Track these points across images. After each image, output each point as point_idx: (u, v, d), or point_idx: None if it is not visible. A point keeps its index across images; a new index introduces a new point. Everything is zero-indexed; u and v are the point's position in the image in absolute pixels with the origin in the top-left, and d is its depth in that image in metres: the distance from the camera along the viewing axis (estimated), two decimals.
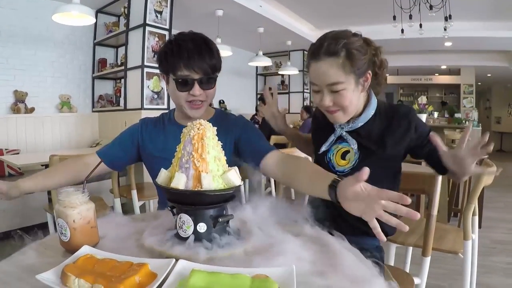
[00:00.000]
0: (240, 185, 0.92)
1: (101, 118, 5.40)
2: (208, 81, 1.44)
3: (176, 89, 1.45)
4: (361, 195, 0.89)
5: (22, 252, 0.95)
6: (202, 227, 0.88)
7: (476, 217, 2.26)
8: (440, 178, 1.59)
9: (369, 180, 1.34)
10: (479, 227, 4.01)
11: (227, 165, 0.97)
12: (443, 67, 11.71)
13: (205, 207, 0.88)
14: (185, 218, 0.89)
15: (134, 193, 3.23)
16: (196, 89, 1.42)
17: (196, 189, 0.86)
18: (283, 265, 0.77)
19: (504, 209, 5.04)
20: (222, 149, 0.96)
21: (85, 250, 0.88)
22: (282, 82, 9.31)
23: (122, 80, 4.91)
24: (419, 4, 5.25)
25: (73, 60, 5.20)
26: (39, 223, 3.78)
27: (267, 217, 1.02)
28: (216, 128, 0.97)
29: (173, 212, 0.94)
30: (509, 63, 9.88)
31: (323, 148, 1.47)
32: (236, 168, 0.95)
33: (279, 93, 9.07)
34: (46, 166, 2.85)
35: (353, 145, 1.39)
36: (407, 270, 2.21)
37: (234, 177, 0.90)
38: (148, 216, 1.17)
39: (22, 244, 1.01)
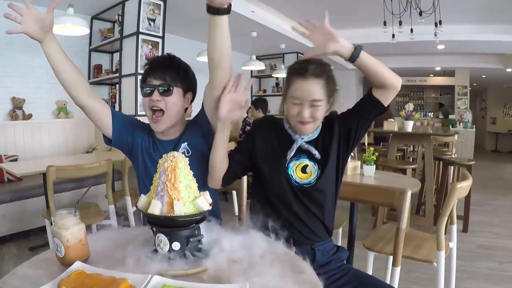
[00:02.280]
0: (208, 210, 1.04)
1: None
2: (167, 89, 1.61)
3: (142, 95, 1.67)
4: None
5: (24, 266, 1.08)
6: (176, 246, 1.01)
7: (454, 226, 2.32)
8: (409, 193, 1.69)
9: (327, 190, 1.56)
10: (466, 231, 4.12)
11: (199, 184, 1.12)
12: (438, 68, 11.78)
13: (178, 229, 1.01)
14: (162, 237, 1.01)
15: (128, 199, 3.34)
16: (155, 95, 1.59)
17: (169, 215, 1.00)
18: (241, 281, 0.89)
19: (493, 213, 5.09)
20: (193, 177, 1.09)
21: (77, 265, 1.02)
22: (277, 84, 9.39)
23: (117, 86, 5.02)
24: (410, 9, 5.35)
25: None
26: (38, 227, 3.91)
27: (239, 236, 1.14)
28: (188, 158, 1.09)
29: (153, 231, 1.06)
30: (504, 65, 9.95)
31: (290, 155, 1.56)
32: (206, 193, 1.08)
33: (273, 95, 9.21)
34: (44, 174, 2.95)
35: (314, 151, 1.55)
36: (388, 278, 2.29)
37: (202, 203, 1.03)
38: (134, 232, 1.28)
39: (21, 251, 1.15)
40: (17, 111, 4.68)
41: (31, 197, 3.96)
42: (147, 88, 1.62)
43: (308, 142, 1.57)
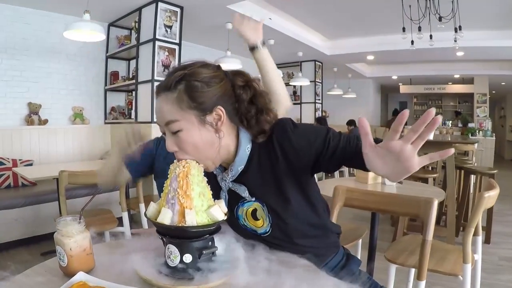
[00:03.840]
0: (222, 220, 0.96)
1: (113, 130, 5.50)
2: None
3: None
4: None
5: (26, 274, 1.01)
6: (187, 258, 0.93)
7: (479, 237, 2.24)
8: (435, 203, 1.59)
9: (292, 233, 1.19)
10: (488, 243, 3.98)
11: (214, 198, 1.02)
12: (456, 76, 11.61)
13: (190, 240, 0.93)
14: (172, 249, 0.94)
15: (142, 206, 3.29)
16: None
17: (179, 225, 0.92)
18: None
19: None
20: (207, 184, 1.01)
21: (80, 277, 0.94)
22: (294, 92, 9.33)
23: (134, 93, 5.01)
24: (429, 15, 5.25)
25: (86, 72, 5.31)
26: (51, 232, 3.88)
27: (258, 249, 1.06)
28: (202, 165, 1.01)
29: (163, 241, 0.99)
30: None
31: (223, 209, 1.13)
32: (221, 202, 1.00)
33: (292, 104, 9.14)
34: (57, 179, 2.93)
35: (243, 193, 1.18)
36: None
37: (217, 212, 0.95)
38: (145, 241, 1.21)
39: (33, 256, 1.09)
40: (33, 116, 4.70)
41: (45, 202, 3.96)
42: None
43: (237, 180, 1.19)
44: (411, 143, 0.80)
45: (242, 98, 1.12)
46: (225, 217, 0.97)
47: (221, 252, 1.01)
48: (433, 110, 0.77)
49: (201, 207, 0.94)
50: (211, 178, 1.18)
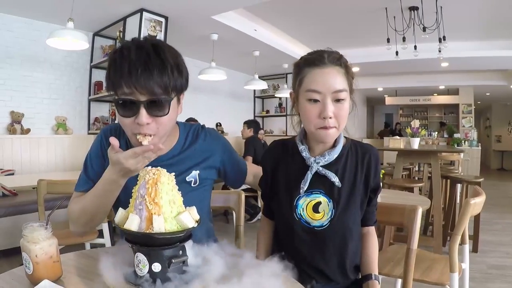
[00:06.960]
0: (193, 227, 0.92)
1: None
2: (160, 105, 1.09)
3: (118, 113, 1.12)
4: None
5: None
6: (156, 267, 0.88)
7: (467, 246, 2.22)
8: (419, 211, 1.56)
9: (345, 232, 1.29)
10: (475, 251, 3.98)
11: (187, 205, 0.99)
12: (441, 87, 11.72)
13: (159, 248, 0.88)
14: (141, 257, 0.89)
15: None
16: (143, 115, 1.07)
17: (147, 231, 0.87)
18: None
19: (502, 232, 4.96)
20: (178, 191, 0.96)
21: (44, 284, 0.92)
22: (280, 104, 9.31)
23: None
24: (413, 26, 5.30)
25: (69, 82, 5.23)
26: None
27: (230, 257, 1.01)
28: (174, 173, 0.96)
29: (133, 249, 0.94)
30: (508, 82, 9.89)
31: (305, 187, 1.29)
32: (193, 208, 0.96)
33: (276, 116, 9.13)
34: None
35: (334, 177, 1.27)
36: None
37: (187, 219, 0.90)
38: (116, 250, 1.16)
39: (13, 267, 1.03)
40: (16, 125, 4.60)
41: (27, 213, 3.85)
42: (127, 105, 1.09)
43: (326, 166, 1.30)
44: None
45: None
46: (196, 225, 0.93)
47: (193, 261, 0.97)
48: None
49: (170, 214, 0.90)
50: (299, 162, 1.33)
